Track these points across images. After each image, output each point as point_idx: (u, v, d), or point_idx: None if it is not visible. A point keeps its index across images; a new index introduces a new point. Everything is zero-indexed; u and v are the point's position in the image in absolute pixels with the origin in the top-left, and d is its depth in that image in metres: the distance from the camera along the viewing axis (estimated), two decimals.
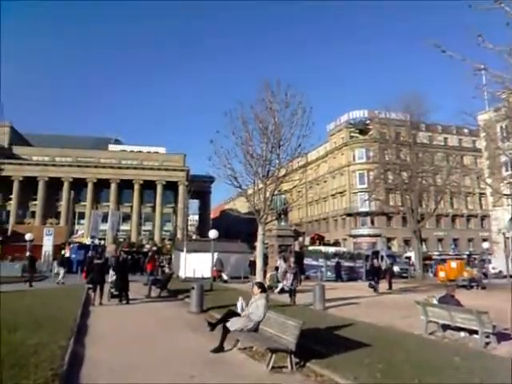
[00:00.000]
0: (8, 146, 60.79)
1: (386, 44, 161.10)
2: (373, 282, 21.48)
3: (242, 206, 43.54)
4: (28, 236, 32.09)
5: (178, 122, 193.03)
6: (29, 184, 59.51)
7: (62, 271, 24.77)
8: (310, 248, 38.25)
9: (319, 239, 48.90)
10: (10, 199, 59.48)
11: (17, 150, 62.15)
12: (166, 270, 19.78)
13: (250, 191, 17.68)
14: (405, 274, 35.18)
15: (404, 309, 13.40)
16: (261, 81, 16.68)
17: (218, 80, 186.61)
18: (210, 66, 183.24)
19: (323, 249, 36.83)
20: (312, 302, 14.35)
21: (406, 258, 43.73)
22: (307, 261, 31.02)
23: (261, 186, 16.38)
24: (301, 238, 49.37)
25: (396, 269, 32.45)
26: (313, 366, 6.37)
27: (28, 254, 28.36)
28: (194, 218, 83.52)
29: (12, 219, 57.13)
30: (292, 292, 15.10)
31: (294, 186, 18.32)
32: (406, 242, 56.86)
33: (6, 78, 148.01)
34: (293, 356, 6.46)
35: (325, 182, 69.98)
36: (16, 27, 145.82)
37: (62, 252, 30.87)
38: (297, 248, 34.23)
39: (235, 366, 6.76)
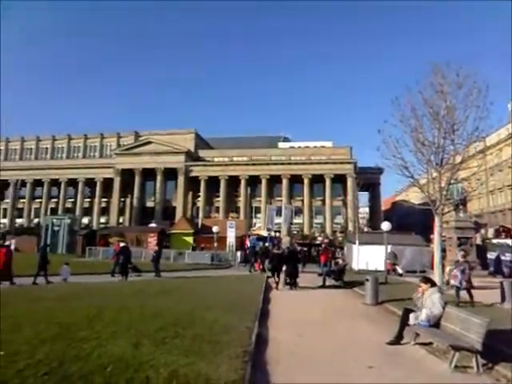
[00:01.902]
0: (194, 150, 68.79)
1: None
2: None
3: (414, 197, 41.11)
4: (215, 228, 35.96)
5: (343, 115, 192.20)
6: (212, 183, 66.33)
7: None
8: (495, 241, 34.20)
9: (505, 231, 43.35)
10: (199, 196, 67.21)
11: (201, 153, 69.90)
12: (340, 262, 20.01)
13: (423, 181, 16.77)
14: None
15: None
16: (428, 63, 15.67)
17: (382, 67, 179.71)
18: (373, 53, 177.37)
19: (511, 242, 32.54)
20: (497, 301, 12.93)
21: None
22: (491, 255, 27.85)
23: (435, 174, 15.41)
24: (483, 231, 44.55)
25: None
26: (503, 370, 5.80)
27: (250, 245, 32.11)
28: (364, 210, 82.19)
29: (201, 214, 64.48)
30: (464, 291, 13.00)
31: (473, 174, 16.72)
32: None
33: (191, 93, 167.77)
34: (479, 356, 5.99)
35: (509, 167, 61.25)
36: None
37: (266, 244, 33.52)
38: (478, 241, 31.03)
39: (414, 360, 6.51)
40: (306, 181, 63.80)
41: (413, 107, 15.15)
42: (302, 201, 64.33)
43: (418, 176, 16.02)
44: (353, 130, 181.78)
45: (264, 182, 64.87)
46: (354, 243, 29.47)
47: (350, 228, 53.84)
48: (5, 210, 74.47)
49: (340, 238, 52.98)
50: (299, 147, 71.37)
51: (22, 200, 73.28)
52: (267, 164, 65.31)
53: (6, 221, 71.92)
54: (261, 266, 25.86)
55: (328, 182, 63.01)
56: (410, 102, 15.19)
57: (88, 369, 4.70)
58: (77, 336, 6.36)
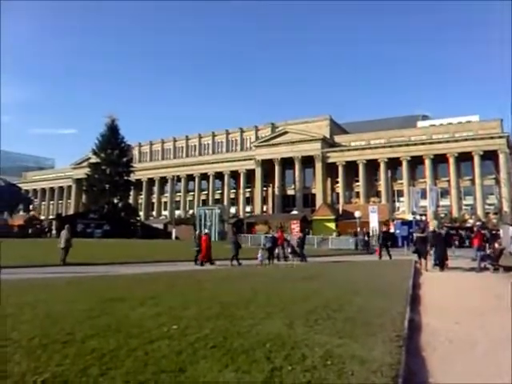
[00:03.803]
0: (330, 136, 68.48)
1: None
2: None
3: None
4: (357, 214, 35.67)
5: (488, 85, 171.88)
6: (350, 168, 65.71)
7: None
8: None
9: None
10: (337, 182, 67.07)
11: (337, 138, 69.45)
12: (496, 246, 18.38)
13: None
14: None
15: None
16: None
17: None
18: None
19: None
20: None
21: None
22: None
23: None
24: None
25: None
26: None
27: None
28: None
29: (341, 199, 64.48)
30: None
31: None
32: None
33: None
34: None
35: None
36: None
37: (384, 229, 32.29)
38: None
39: None
40: (451, 160, 59.27)
41: None
42: (448, 181, 59.95)
43: None
44: (501, 100, 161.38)
45: (405, 163, 62.11)
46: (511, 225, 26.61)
47: (506, 209, 48.46)
48: (165, 203, 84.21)
49: (494, 220, 47.97)
50: (441, 124, 66.35)
51: (178, 194, 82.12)
52: (407, 145, 62.31)
53: (166, 213, 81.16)
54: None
55: (477, 160, 57.60)
56: None
57: (249, 344, 5.08)
58: (236, 315, 6.89)
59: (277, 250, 21.52)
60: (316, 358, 4.64)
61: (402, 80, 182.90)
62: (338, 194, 66.80)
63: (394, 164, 63.14)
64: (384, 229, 29.05)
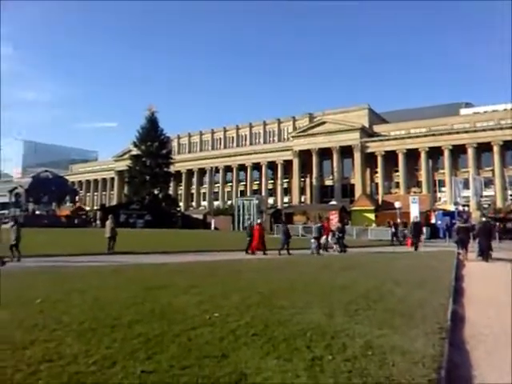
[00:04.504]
0: (369, 125, 67.09)
1: None
2: None
3: None
4: (397, 204, 34.91)
5: None
6: (390, 157, 64.14)
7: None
8: None
9: None
10: (377, 172, 65.79)
11: (376, 128, 67.96)
12: None
13: None
14: None
15: None
16: None
17: None
18: None
19: None
20: None
21: None
22: None
23: None
24: None
25: None
26: None
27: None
28: None
29: (380, 190, 63.29)
30: None
31: None
32: None
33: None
34: None
35: None
36: None
37: (416, 220, 31.56)
38: None
39: None
40: (495, 148, 56.83)
41: None
42: (493, 171, 57.52)
43: None
44: None
45: (446, 153, 60.13)
46: None
47: None
48: (204, 194, 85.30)
49: None
50: (485, 112, 63.45)
51: (216, 184, 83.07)
52: (448, 133, 60.17)
53: (205, 203, 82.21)
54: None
55: None
56: None
57: (289, 333, 5.12)
58: (276, 304, 6.93)
59: (321, 241, 21.71)
60: (356, 348, 4.63)
61: (446, 68, 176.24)
62: (376, 184, 65.56)
63: (435, 153, 61.25)
64: (416, 220, 28.30)
